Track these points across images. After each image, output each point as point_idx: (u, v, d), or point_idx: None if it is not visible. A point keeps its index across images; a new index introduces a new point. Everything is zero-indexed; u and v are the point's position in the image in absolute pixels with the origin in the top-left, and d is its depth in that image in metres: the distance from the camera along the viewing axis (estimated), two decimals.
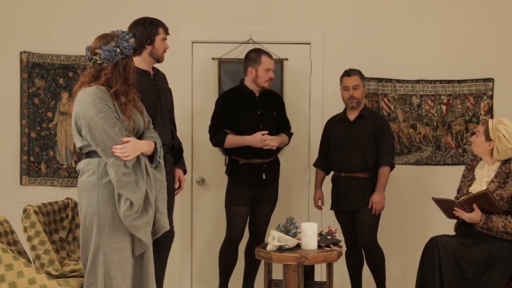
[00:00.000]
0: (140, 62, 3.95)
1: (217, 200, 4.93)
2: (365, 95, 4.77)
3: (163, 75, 4.22)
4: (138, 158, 3.27)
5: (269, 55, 4.67)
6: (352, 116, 4.71)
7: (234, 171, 4.66)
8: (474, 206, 3.90)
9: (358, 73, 4.68)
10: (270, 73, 4.60)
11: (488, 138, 4.02)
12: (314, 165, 4.88)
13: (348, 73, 4.67)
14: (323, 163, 4.82)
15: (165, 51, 4.05)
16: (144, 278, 3.38)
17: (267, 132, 4.54)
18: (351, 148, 4.64)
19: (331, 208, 4.78)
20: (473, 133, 4.17)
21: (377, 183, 4.60)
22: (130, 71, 3.31)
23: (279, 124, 4.75)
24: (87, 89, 3.26)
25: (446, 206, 4.05)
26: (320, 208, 4.86)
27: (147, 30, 3.96)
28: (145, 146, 3.33)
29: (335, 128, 4.75)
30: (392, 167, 4.67)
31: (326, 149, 4.79)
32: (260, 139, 4.51)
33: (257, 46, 4.82)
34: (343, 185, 4.69)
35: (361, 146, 4.62)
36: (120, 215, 3.19)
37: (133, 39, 3.34)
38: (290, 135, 4.80)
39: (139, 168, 3.27)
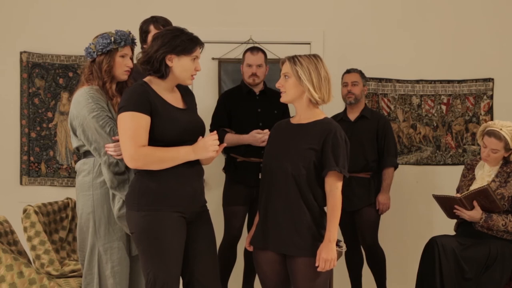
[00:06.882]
0: None
1: (218, 200, 4.91)
2: (365, 94, 4.77)
3: None
4: None
5: (252, 50, 4.60)
6: (352, 115, 4.71)
7: (231, 169, 4.66)
8: (475, 203, 3.91)
9: (359, 72, 4.70)
10: (251, 68, 4.55)
11: (507, 150, 4.01)
12: None
13: (348, 70, 4.72)
14: None
15: None
16: (142, 279, 3.35)
17: (265, 130, 4.52)
18: (353, 148, 4.64)
19: None
20: (485, 146, 4.03)
21: (382, 183, 4.61)
22: (104, 68, 3.26)
23: None
24: (81, 89, 3.27)
25: (446, 204, 4.05)
26: None
27: (141, 30, 3.99)
28: None
29: None
30: (395, 168, 4.69)
31: None
32: (256, 137, 4.50)
33: (257, 46, 4.82)
34: (345, 185, 4.69)
35: (363, 146, 4.62)
36: (114, 214, 3.18)
37: (112, 38, 3.28)
38: None
39: None
